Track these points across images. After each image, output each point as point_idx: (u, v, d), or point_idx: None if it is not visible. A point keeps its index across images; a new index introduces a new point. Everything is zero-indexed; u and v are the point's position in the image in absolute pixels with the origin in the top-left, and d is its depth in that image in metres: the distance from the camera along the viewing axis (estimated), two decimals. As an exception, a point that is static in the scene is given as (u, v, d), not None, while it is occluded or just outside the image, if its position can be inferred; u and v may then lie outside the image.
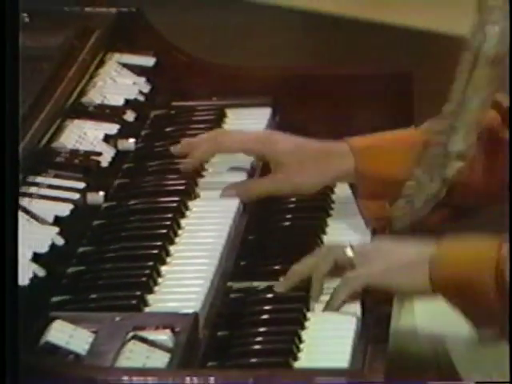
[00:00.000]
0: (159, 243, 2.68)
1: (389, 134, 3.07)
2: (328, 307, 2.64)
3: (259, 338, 2.45)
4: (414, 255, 2.71)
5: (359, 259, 2.68)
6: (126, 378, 2.21)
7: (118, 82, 3.28)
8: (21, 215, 2.60)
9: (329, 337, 2.52)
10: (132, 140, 3.06)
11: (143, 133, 3.15)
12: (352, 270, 2.67)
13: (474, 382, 2.84)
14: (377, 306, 2.68)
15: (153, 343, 2.30)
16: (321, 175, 2.92)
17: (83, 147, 2.94)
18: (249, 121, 3.25)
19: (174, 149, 3.04)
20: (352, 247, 2.70)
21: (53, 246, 2.55)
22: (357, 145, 2.95)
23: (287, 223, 2.96)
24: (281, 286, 2.67)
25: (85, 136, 2.99)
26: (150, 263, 2.60)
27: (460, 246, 2.74)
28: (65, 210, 2.68)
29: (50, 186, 2.76)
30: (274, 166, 2.94)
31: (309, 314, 2.57)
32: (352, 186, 3.04)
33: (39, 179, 2.77)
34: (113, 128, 3.03)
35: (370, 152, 2.96)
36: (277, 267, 2.74)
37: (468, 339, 2.97)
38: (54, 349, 2.29)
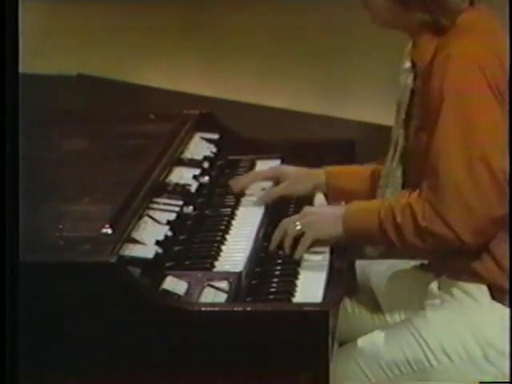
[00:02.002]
0: (220, 233, 2.75)
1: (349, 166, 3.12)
2: (297, 255, 2.66)
3: (273, 286, 2.53)
4: (333, 215, 2.71)
5: (305, 225, 2.68)
6: (204, 308, 2.34)
7: (200, 147, 3.30)
8: (147, 219, 2.70)
9: (310, 282, 2.57)
10: (207, 177, 3.09)
11: (213, 173, 3.16)
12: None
13: (478, 382, 2.60)
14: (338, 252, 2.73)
15: (217, 288, 2.42)
16: (308, 185, 2.98)
17: (182, 181, 3.00)
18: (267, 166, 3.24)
19: (232, 182, 3.07)
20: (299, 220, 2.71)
21: (166, 236, 2.63)
22: (327, 169, 3.00)
23: (290, 211, 2.97)
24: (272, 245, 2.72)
25: (182, 176, 3.04)
26: (216, 244, 2.68)
27: (356, 205, 2.75)
28: (172, 216, 2.76)
29: (165, 203, 2.83)
30: (283, 181, 2.99)
31: (298, 269, 2.63)
32: (325, 195, 3.07)
33: (159, 199, 2.84)
34: (197, 171, 3.08)
35: (333, 173, 3.00)
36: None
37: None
38: (166, 292, 2.39)
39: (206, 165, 3.15)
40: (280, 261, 2.67)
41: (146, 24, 5.94)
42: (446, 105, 2.53)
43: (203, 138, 3.33)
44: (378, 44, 3.61)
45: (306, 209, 2.77)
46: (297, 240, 2.68)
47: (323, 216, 2.72)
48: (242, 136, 3.45)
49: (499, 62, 2.56)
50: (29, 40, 6.18)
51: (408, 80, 2.76)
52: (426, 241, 2.56)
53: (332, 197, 3.03)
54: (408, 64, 2.76)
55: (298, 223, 2.69)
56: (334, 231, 2.68)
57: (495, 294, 2.60)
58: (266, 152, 3.35)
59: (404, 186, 2.76)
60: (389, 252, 2.84)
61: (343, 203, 2.95)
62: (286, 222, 2.71)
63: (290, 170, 3.04)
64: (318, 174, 3.00)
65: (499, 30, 2.68)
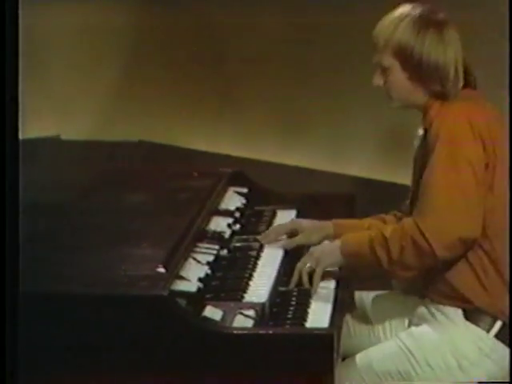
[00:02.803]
0: (248, 271, 2.73)
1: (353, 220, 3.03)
2: (314, 288, 2.63)
3: (290, 313, 2.51)
4: (332, 246, 2.69)
5: (313, 262, 2.66)
6: (235, 331, 2.34)
7: (232, 199, 3.26)
8: (191, 260, 2.70)
9: (319, 310, 2.55)
10: (238, 225, 3.06)
11: (243, 221, 3.12)
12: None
13: (477, 382, 2.59)
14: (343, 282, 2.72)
15: (246, 315, 2.42)
16: (319, 235, 2.89)
17: (218, 229, 2.98)
18: (286, 216, 3.21)
19: (261, 237, 2.99)
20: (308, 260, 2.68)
21: (206, 274, 2.63)
22: (334, 222, 2.92)
23: (304, 254, 2.81)
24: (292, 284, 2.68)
25: (218, 224, 3.02)
26: (245, 280, 2.67)
27: (350, 236, 2.70)
28: (210, 258, 2.76)
29: (205, 247, 2.81)
30: (300, 232, 2.92)
31: (310, 299, 2.60)
32: None
33: (200, 244, 2.81)
34: (230, 220, 3.05)
35: (339, 225, 2.92)
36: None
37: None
38: (206, 319, 2.38)
39: (237, 214, 3.12)
40: (295, 293, 2.65)
41: (188, 99, 5.93)
42: (438, 144, 2.51)
43: (235, 192, 3.30)
44: (376, 107, 3.52)
45: (311, 249, 2.75)
46: (311, 275, 2.66)
47: (324, 250, 2.71)
48: (266, 190, 3.40)
49: (486, 123, 2.56)
50: (99, 106, 6.25)
51: (419, 143, 2.72)
52: (408, 256, 2.52)
53: None
54: (421, 131, 2.71)
55: (307, 262, 2.67)
56: (335, 260, 2.66)
57: (469, 315, 2.58)
58: (284, 203, 3.30)
59: None
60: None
61: None
62: (299, 265, 2.69)
63: (305, 223, 2.97)
64: (328, 227, 2.93)
65: (490, 106, 2.67)
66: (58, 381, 2.36)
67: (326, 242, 2.81)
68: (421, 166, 2.65)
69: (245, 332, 2.37)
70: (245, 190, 3.33)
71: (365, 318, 2.93)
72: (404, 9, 2.58)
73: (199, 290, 2.54)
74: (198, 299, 2.49)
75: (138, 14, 6.05)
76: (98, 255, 2.58)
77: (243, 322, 2.42)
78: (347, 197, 3.33)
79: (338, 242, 2.67)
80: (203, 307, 2.44)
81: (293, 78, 5.54)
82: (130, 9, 6.04)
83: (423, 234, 2.47)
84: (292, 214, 3.22)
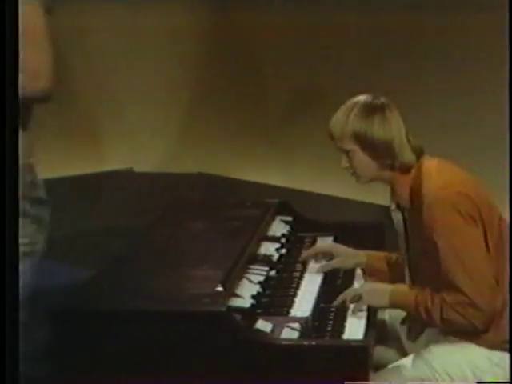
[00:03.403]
0: (293, 290, 2.71)
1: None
2: (354, 311, 2.57)
3: (329, 326, 2.49)
4: (383, 291, 2.62)
5: (363, 294, 2.60)
6: (283, 342, 2.34)
7: (279, 227, 3.22)
8: (245, 280, 2.67)
9: (354, 325, 2.51)
10: (284, 250, 3.02)
11: (288, 246, 3.07)
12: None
13: (476, 382, 2.54)
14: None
15: (292, 328, 2.41)
16: (353, 262, 2.87)
17: (267, 253, 2.96)
18: (324, 241, 3.15)
19: (303, 254, 2.98)
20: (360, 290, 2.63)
21: (258, 292, 2.63)
22: (367, 253, 2.90)
23: (340, 276, 2.89)
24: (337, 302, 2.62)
25: (267, 249, 2.98)
26: (290, 297, 2.65)
27: (400, 287, 2.65)
28: (261, 278, 2.74)
29: (256, 269, 2.79)
30: (336, 256, 2.90)
31: (346, 315, 2.57)
32: (362, 270, 2.92)
33: (252, 266, 2.79)
34: (277, 245, 3.03)
35: (372, 256, 2.89)
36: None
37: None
38: (258, 331, 2.40)
39: (283, 240, 3.08)
40: (334, 309, 2.62)
41: (239, 136, 5.90)
42: (439, 242, 2.48)
43: (281, 220, 3.26)
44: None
45: (365, 284, 2.72)
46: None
47: (376, 290, 2.65)
48: (307, 219, 3.34)
49: (466, 197, 2.49)
50: (165, 142, 6.26)
51: (398, 216, 2.67)
52: (446, 325, 2.53)
53: (368, 273, 2.91)
54: (394, 205, 2.68)
55: (359, 292, 2.62)
56: (381, 302, 2.62)
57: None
58: (323, 231, 3.24)
59: (410, 274, 2.70)
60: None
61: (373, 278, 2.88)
62: (348, 291, 2.65)
63: (341, 249, 2.93)
64: (362, 255, 2.89)
65: (457, 168, 2.62)
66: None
67: (378, 284, 2.73)
68: (406, 237, 2.65)
69: (291, 343, 2.37)
70: (289, 219, 3.27)
71: (394, 338, 2.87)
72: (352, 100, 2.56)
73: (252, 306, 2.53)
74: (250, 314, 2.48)
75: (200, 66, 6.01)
76: (167, 276, 2.59)
77: (290, 333, 2.41)
78: (377, 224, 3.27)
79: (389, 288, 2.61)
80: (255, 321, 2.44)
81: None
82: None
83: (462, 316, 2.49)
84: (329, 240, 3.17)
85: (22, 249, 1.99)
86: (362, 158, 2.54)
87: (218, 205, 3.46)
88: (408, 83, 5.12)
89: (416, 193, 2.53)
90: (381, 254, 2.91)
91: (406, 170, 2.56)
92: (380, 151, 2.51)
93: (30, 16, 2.31)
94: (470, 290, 2.44)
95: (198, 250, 2.82)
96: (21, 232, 1.89)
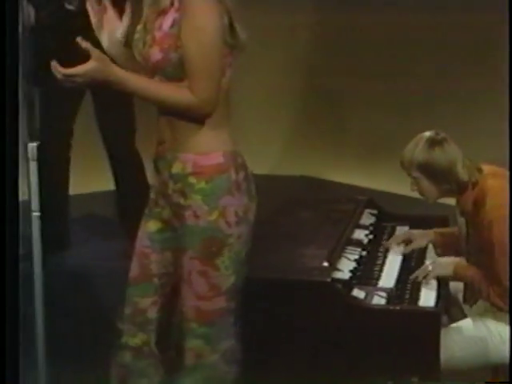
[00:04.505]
0: (380, 266, 2.66)
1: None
2: (428, 280, 2.47)
3: (408, 295, 2.42)
4: (448, 263, 2.52)
5: (432, 268, 2.51)
6: (374, 307, 2.31)
7: (368, 218, 3.12)
8: (344, 258, 2.59)
9: (427, 295, 2.44)
10: (372, 235, 2.93)
11: (374, 232, 2.98)
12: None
13: (484, 382, 2.45)
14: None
15: (380, 296, 2.38)
16: (425, 240, 2.79)
17: (360, 237, 2.88)
18: (402, 230, 3.04)
19: (389, 241, 2.83)
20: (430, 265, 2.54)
21: (354, 267, 2.54)
22: (435, 230, 2.81)
23: (414, 255, 2.77)
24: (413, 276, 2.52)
25: (359, 234, 2.91)
26: (377, 271, 2.59)
27: (462, 262, 2.55)
28: (356, 256, 2.66)
29: (352, 250, 2.68)
30: (413, 241, 2.80)
31: (421, 287, 2.48)
32: (433, 244, 2.82)
33: (349, 247, 2.68)
34: (366, 232, 2.95)
35: (438, 233, 2.80)
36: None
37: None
38: (354, 298, 2.32)
39: (371, 228, 3.03)
40: (411, 282, 2.55)
41: (332, 142, 5.71)
42: (496, 242, 2.39)
43: (369, 213, 3.19)
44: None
45: (433, 261, 2.62)
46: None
47: (442, 263, 2.57)
48: (389, 212, 3.26)
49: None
50: (273, 147, 6.00)
51: (461, 220, 2.60)
52: (492, 304, 2.46)
53: (437, 246, 2.81)
54: (458, 212, 2.61)
55: (428, 270, 2.55)
56: (446, 272, 2.54)
57: None
58: (401, 221, 3.15)
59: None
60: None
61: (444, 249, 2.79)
62: (421, 269, 2.56)
63: (415, 232, 2.84)
64: (431, 234, 2.82)
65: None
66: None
67: (444, 258, 2.64)
68: (467, 237, 2.57)
69: (380, 307, 2.37)
70: (375, 212, 3.20)
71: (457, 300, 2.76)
72: (419, 136, 2.49)
73: (349, 278, 2.50)
74: (348, 284, 2.45)
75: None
76: (288, 253, 2.59)
77: (378, 300, 2.40)
78: (443, 218, 3.13)
79: (452, 262, 2.54)
80: (352, 289, 2.42)
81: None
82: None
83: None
84: (405, 229, 3.07)
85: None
86: (426, 184, 2.48)
87: (322, 200, 3.41)
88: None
89: (480, 207, 2.44)
90: (445, 230, 2.85)
91: (464, 190, 2.49)
92: (440, 178, 2.46)
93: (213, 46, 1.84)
94: (507, 281, 2.36)
95: (308, 234, 2.79)
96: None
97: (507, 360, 2.30)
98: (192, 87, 1.84)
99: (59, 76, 1.80)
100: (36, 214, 2.19)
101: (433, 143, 2.45)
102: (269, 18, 5.21)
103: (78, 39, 1.82)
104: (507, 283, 2.32)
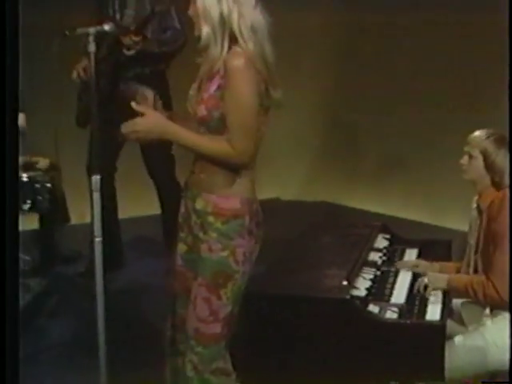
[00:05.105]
0: (391, 284, 2.62)
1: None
2: (427, 294, 2.47)
3: (416, 310, 2.42)
4: (442, 277, 2.52)
5: (428, 282, 2.51)
6: (387, 321, 2.30)
7: (381, 242, 3.05)
8: (360, 277, 2.55)
9: (433, 309, 2.42)
10: (385, 257, 2.89)
11: (388, 255, 2.95)
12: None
13: (481, 382, 2.38)
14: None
15: (393, 311, 2.36)
16: (431, 269, 2.70)
17: (374, 259, 2.85)
18: (411, 252, 3.03)
19: (398, 263, 2.78)
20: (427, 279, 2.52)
21: (369, 286, 2.55)
22: (440, 263, 2.74)
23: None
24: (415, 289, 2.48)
25: (374, 257, 2.88)
26: (389, 289, 2.56)
27: (456, 275, 2.57)
28: (371, 276, 2.63)
29: (367, 270, 2.68)
30: (419, 266, 2.74)
31: (428, 302, 2.46)
32: None
33: (365, 268, 2.66)
34: (380, 254, 2.89)
35: (443, 265, 2.74)
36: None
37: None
38: (370, 312, 2.30)
39: (384, 251, 2.99)
40: (419, 298, 2.52)
41: (349, 171, 5.68)
42: (506, 236, 2.38)
43: (382, 237, 3.14)
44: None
45: (429, 274, 2.60)
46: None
47: (438, 277, 2.56)
48: (400, 236, 3.20)
49: None
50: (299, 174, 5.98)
51: (475, 213, 2.57)
52: (487, 299, 2.45)
53: None
54: (475, 205, 2.58)
55: (425, 280, 2.56)
56: (442, 285, 2.52)
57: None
58: (410, 245, 3.10)
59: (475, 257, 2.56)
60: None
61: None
62: (419, 280, 2.57)
63: (423, 263, 2.78)
64: (435, 266, 2.76)
65: None
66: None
67: (439, 273, 2.65)
68: (478, 231, 2.53)
69: (392, 321, 2.35)
70: (388, 236, 3.16)
71: (458, 317, 2.70)
72: (490, 130, 2.52)
73: (366, 295, 2.48)
74: (365, 300, 2.43)
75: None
76: (311, 273, 2.58)
77: (391, 314, 2.38)
78: (447, 242, 3.10)
79: (446, 276, 2.56)
80: (367, 305, 2.40)
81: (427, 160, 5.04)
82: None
83: (497, 291, 2.41)
84: (415, 251, 3.03)
85: None
86: (479, 164, 2.50)
87: (341, 226, 3.35)
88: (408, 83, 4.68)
89: (497, 208, 2.47)
90: (449, 264, 2.80)
91: (498, 187, 2.52)
92: (493, 170, 2.50)
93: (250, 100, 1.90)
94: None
95: (329, 256, 2.78)
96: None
97: (505, 368, 2.25)
98: (231, 141, 1.93)
99: (123, 130, 1.93)
100: (98, 239, 2.21)
101: (503, 143, 2.49)
102: (294, 60, 5.27)
103: (133, 104, 1.92)
104: (507, 273, 2.28)
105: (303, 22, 4.91)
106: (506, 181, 2.48)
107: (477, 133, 2.52)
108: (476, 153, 2.49)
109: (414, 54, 4.78)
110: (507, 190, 2.46)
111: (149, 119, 1.92)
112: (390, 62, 4.94)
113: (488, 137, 2.50)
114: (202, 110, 1.97)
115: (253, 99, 1.89)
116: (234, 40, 1.90)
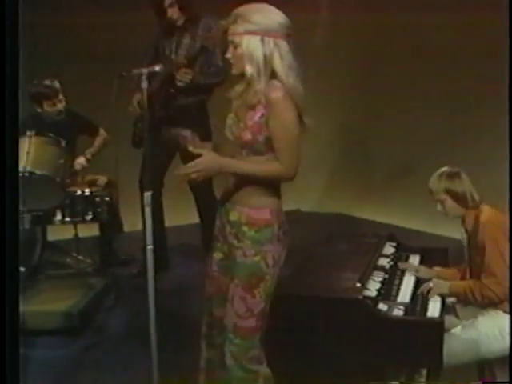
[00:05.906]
0: (397, 285, 2.60)
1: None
2: (430, 296, 2.43)
3: (419, 307, 2.40)
4: (445, 284, 2.50)
5: (432, 286, 2.50)
6: (394, 318, 2.28)
7: (388, 249, 3.00)
8: (371, 280, 2.52)
9: (433, 308, 2.42)
10: (392, 262, 2.83)
11: (394, 259, 2.88)
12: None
13: (481, 382, 2.37)
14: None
15: (399, 309, 2.35)
16: (431, 275, 2.68)
17: (383, 264, 2.80)
18: (414, 258, 2.99)
19: (403, 264, 2.78)
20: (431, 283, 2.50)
21: (379, 287, 2.50)
22: (438, 270, 2.71)
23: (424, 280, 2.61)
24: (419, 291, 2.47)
25: (383, 262, 2.79)
26: (396, 290, 2.50)
27: (455, 283, 2.54)
28: (381, 278, 2.58)
29: (377, 274, 2.64)
30: (419, 272, 2.71)
31: (428, 302, 2.45)
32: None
33: (375, 272, 2.63)
34: (388, 259, 2.82)
35: (441, 271, 2.71)
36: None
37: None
38: (380, 310, 2.28)
39: (391, 257, 2.93)
40: (422, 298, 2.50)
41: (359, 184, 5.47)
42: (488, 243, 2.41)
43: (390, 245, 3.08)
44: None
45: (434, 280, 2.59)
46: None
47: (440, 283, 2.56)
48: (404, 244, 3.14)
49: (503, 222, 2.38)
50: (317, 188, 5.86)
51: (464, 235, 2.56)
52: (484, 299, 2.45)
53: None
54: (463, 230, 2.58)
55: (430, 284, 2.55)
56: (444, 291, 2.53)
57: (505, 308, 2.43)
58: (413, 251, 3.06)
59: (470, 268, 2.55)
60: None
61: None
62: (425, 285, 2.56)
63: (423, 269, 2.75)
64: (434, 271, 2.73)
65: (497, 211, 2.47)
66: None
67: (441, 280, 2.62)
68: (468, 250, 2.54)
69: (399, 318, 2.33)
70: (394, 244, 3.10)
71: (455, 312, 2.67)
72: (440, 170, 2.52)
73: (376, 295, 2.45)
74: (375, 300, 2.40)
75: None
76: (328, 276, 2.55)
77: (397, 312, 2.36)
78: (443, 249, 3.05)
79: (448, 283, 2.54)
80: (377, 304, 2.37)
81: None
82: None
83: (492, 291, 2.42)
84: (417, 257, 2.99)
85: None
86: (451, 203, 2.50)
87: (354, 235, 3.33)
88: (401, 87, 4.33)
89: (476, 221, 2.48)
90: (446, 270, 2.75)
91: (474, 207, 2.51)
92: (461, 198, 2.49)
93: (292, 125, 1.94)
94: (501, 273, 2.35)
95: (344, 261, 2.74)
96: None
97: (494, 355, 2.30)
98: (281, 160, 1.96)
99: (181, 171, 1.96)
100: (150, 246, 2.26)
101: (453, 175, 2.51)
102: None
103: (190, 148, 1.95)
104: (499, 273, 2.30)
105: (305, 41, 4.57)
106: (476, 200, 2.48)
107: (431, 180, 2.50)
108: (443, 196, 2.48)
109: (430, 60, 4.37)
110: (481, 207, 2.46)
111: (207, 159, 1.95)
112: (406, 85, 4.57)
113: (441, 177, 2.48)
114: (247, 135, 2.00)
115: (295, 123, 1.94)
116: (271, 76, 1.94)
